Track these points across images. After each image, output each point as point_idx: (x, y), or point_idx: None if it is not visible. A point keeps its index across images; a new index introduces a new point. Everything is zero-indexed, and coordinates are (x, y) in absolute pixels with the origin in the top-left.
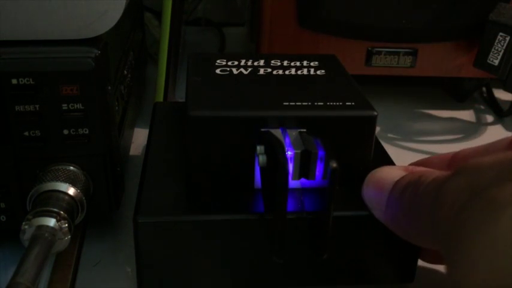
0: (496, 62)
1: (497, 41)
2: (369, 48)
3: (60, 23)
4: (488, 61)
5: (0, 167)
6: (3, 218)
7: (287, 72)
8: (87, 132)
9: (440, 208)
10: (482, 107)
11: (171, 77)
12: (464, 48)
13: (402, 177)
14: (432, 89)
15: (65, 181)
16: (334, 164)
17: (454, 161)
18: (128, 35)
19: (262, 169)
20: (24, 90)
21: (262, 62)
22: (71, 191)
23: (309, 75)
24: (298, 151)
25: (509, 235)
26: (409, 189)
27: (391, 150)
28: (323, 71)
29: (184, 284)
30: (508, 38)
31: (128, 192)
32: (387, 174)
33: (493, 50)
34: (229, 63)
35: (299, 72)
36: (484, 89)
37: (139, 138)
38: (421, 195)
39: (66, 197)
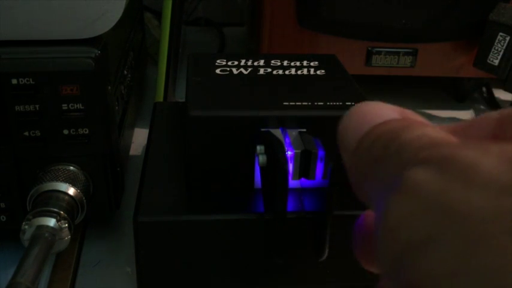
0: (496, 62)
1: (497, 41)
2: (369, 48)
3: (60, 23)
4: (488, 61)
5: (0, 167)
6: (3, 218)
7: (287, 72)
8: (87, 132)
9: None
10: (482, 107)
11: (171, 77)
12: (464, 48)
13: (387, 122)
14: (432, 89)
15: (65, 181)
16: (334, 164)
17: (503, 125)
18: (128, 35)
19: (262, 169)
20: (24, 90)
21: (262, 62)
22: (71, 191)
23: (309, 75)
24: (298, 151)
25: None
26: (381, 140)
27: None
28: (323, 71)
29: (184, 283)
30: (508, 38)
31: (127, 192)
32: (377, 110)
33: (493, 50)
34: (229, 63)
35: (299, 72)
36: (484, 89)
37: (139, 138)
38: (387, 158)
39: (66, 197)
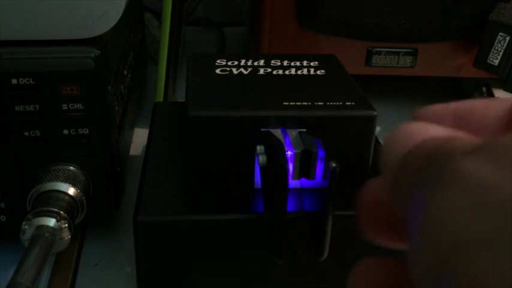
0: (496, 62)
1: (497, 41)
2: (369, 48)
3: (60, 23)
4: (488, 61)
5: (0, 167)
6: (3, 218)
7: (287, 72)
8: (87, 132)
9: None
10: None
11: (171, 77)
12: (464, 48)
13: (433, 138)
14: (432, 89)
15: (65, 181)
16: (334, 164)
17: None
18: (128, 35)
19: (262, 169)
20: (24, 90)
21: (262, 62)
22: (71, 191)
23: (309, 75)
24: (298, 151)
25: None
26: (426, 150)
27: None
28: (323, 71)
29: (184, 283)
30: (508, 38)
31: (127, 192)
32: (424, 129)
33: (493, 50)
34: (229, 63)
35: (299, 72)
36: (484, 89)
37: (139, 138)
38: (431, 164)
39: (66, 197)
